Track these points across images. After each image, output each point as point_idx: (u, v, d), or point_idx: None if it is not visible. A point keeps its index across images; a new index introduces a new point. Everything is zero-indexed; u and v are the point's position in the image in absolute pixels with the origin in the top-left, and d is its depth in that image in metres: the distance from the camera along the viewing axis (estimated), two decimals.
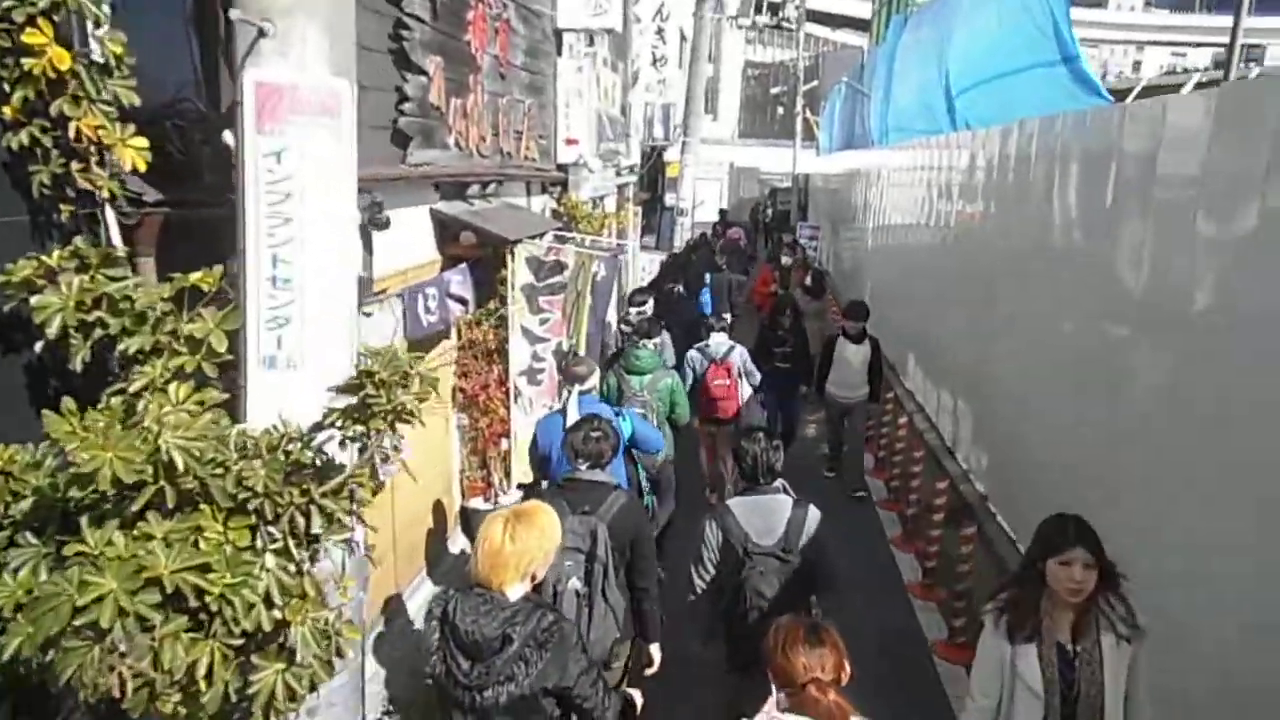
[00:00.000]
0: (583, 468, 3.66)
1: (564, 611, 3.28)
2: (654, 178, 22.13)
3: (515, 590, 2.53)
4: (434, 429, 6.02)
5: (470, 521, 6.41)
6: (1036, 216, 5.67)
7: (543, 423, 4.86)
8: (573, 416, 4.55)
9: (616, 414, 4.67)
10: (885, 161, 13.00)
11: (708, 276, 12.29)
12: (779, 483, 3.71)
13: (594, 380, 4.99)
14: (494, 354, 6.40)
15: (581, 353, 6.57)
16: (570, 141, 8.64)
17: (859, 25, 42.42)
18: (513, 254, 6.11)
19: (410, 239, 5.45)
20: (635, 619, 3.61)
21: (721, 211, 25.13)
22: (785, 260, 11.92)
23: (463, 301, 5.76)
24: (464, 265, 5.91)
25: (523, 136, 7.41)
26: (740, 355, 6.68)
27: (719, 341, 6.70)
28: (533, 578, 2.60)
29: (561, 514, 3.17)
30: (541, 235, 6.79)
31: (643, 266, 15.69)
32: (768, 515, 3.57)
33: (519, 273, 6.15)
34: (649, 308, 8.02)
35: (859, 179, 16.07)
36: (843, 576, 3.71)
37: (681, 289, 10.90)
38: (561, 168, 8.77)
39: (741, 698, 3.39)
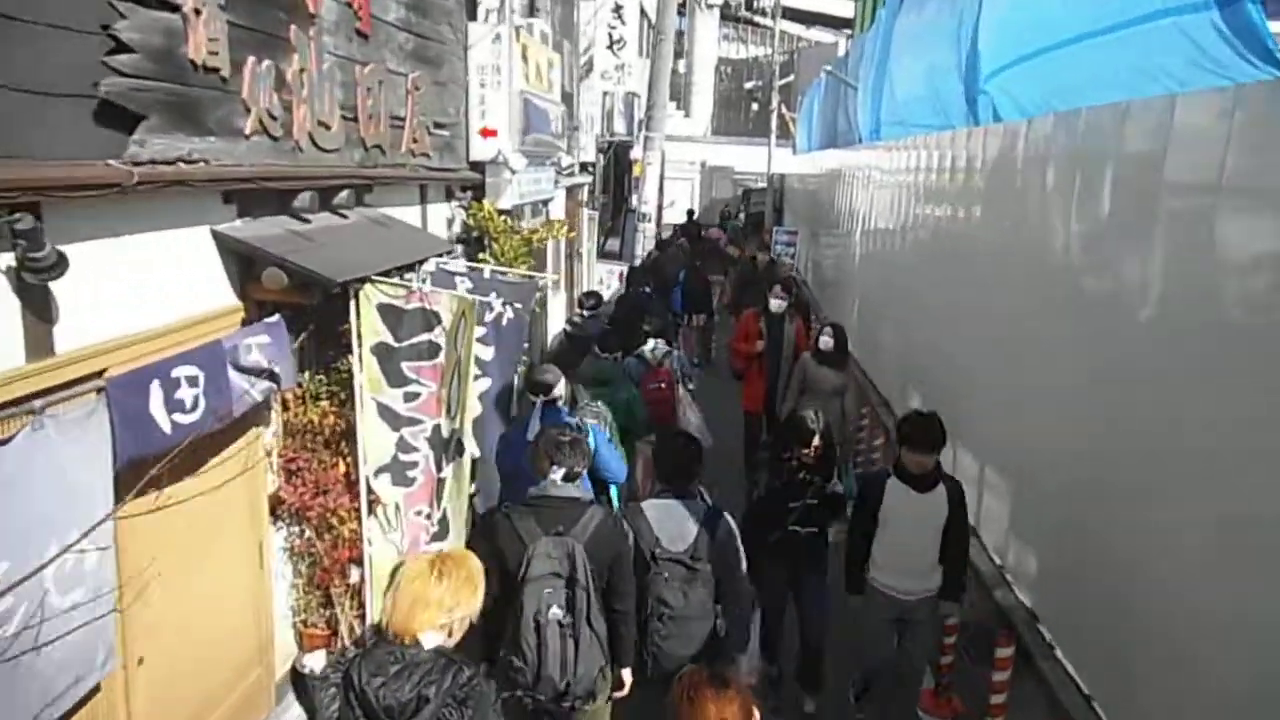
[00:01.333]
0: (556, 479, 3.19)
1: (547, 645, 2.97)
2: (618, 177, 19.98)
3: (431, 638, 2.22)
4: (231, 563, 3.87)
5: (307, 689, 4.25)
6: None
7: (505, 438, 4.49)
8: (534, 432, 3.99)
9: (578, 429, 4.07)
10: (876, 161, 11.01)
11: (680, 274, 11.70)
12: (696, 487, 3.53)
13: (561, 389, 4.47)
14: (340, 443, 4.25)
15: (469, 441, 4.44)
16: (486, 133, 6.49)
17: (834, 23, 40.50)
18: (358, 299, 3.96)
19: (165, 283, 3.29)
20: (610, 642, 3.20)
21: (689, 213, 23.17)
22: (775, 304, 6.99)
23: (269, 375, 3.60)
24: (276, 319, 3.75)
25: (405, 123, 5.25)
26: (677, 359, 6.43)
27: (655, 346, 6.24)
28: (449, 632, 2.26)
29: (532, 536, 3.01)
30: (417, 265, 4.63)
31: (599, 278, 13.58)
32: (681, 520, 3.39)
33: (368, 327, 4.00)
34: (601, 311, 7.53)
35: (843, 180, 14.04)
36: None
37: (649, 290, 10.01)
38: (477, 167, 6.62)
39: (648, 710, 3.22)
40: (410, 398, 4.18)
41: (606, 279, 13.35)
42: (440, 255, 5.04)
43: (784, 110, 25.03)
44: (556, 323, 10.41)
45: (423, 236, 5.28)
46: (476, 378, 4.93)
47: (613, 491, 4.76)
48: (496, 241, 6.23)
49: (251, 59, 3.57)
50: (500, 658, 3.05)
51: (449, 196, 6.38)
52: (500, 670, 3.00)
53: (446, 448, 4.28)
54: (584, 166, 11.65)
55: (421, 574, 2.25)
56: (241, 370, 3.46)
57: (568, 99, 9.52)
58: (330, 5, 4.28)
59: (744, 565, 3.45)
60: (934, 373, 6.96)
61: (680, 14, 41.72)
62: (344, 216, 4.53)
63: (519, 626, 2.99)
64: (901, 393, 7.57)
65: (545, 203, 9.99)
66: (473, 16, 6.58)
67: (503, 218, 6.41)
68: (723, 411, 6.94)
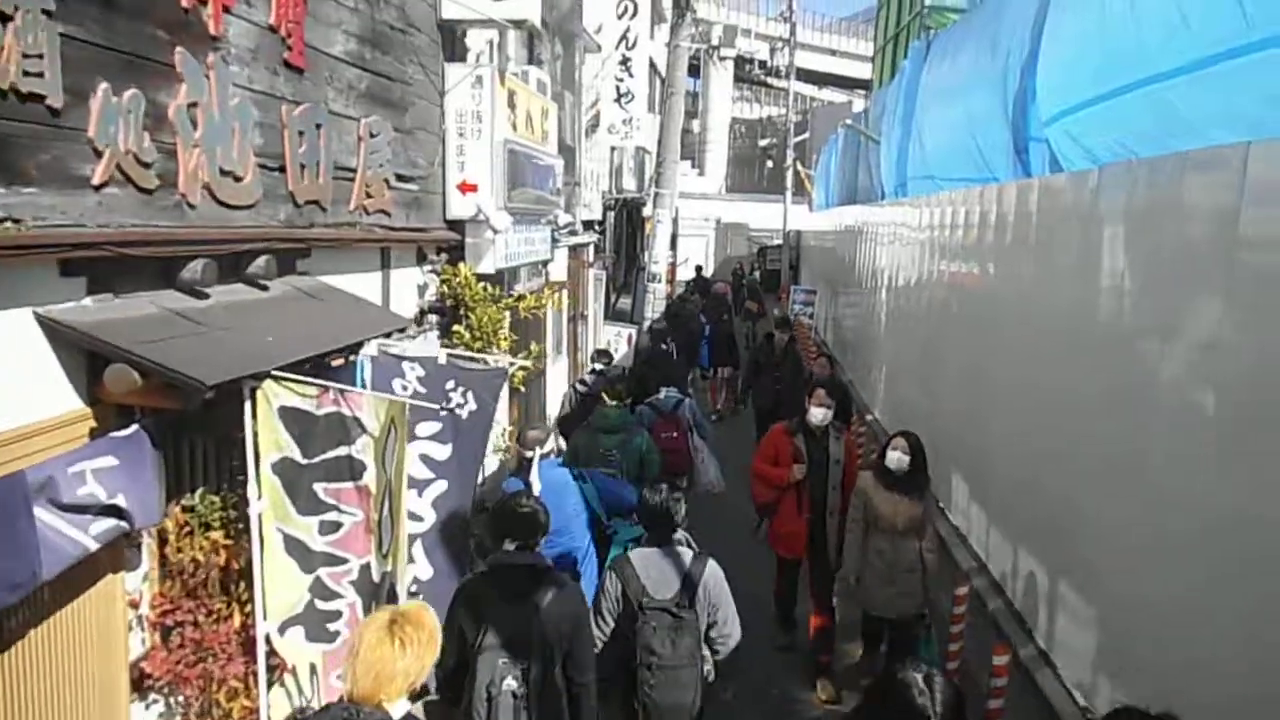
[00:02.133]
0: (510, 549, 2.99)
1: (499, 718, 2.81)
2: (630, 235, 19.16)
3: (399, 707, 2.03)
4: None
5: None
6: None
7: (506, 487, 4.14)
8: (536, 485, 3.89)
9: (577, 477, 4.25)
10: (904, 218, 10.06)
11: (707, 329, 11.37)
12: (681, 535, 3.43)
13: (551, 444, 4.37)
14: (238, 585, 3.19)
15: (402, 585, 3.38)
16: (465, 188, 5.55)
17: (846, 84, 40.45)
18: (254, 400, 2.94)
19: None
20: (571, 713, 2.98)
21: (697, 268, 22.45)
22: (817, 416, 4.77)
23: (114, 512, 2.57)
24: (133, 431, 2.74)
25: (356, 175, 4.31)
26: (689, 408, 6.12)
27: (667, 394, 6.08)
28: (413, 690, 2.08)
29: (489, 603, 2.89)
30: (352, 351, 3.63)
31: (607, 340, 12.57)
32: (666, 568, 3.28)
33: (268, 437, 2.97)
34: (610, 369, 7.13)
35: (865, 237, 13.11)
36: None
37: (669, 345, 9.42)
38: (455, 226, 5.68)
39: None
40: (329, 529, 3.13)
41: (614, 342, 12.35)
42: (390, 334, 4.04)
43: (799, 167, 24.32)
44: (556, 389, 9.38)
45: (367, 311, 4.28)
46: (429, 482, 3.91)
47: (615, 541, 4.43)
48: (473, 312, 5.24)
49: (104, 86, 2.62)
50: None
51: (421, 260, 5.42)
52: None
53: (378, 593, 3.21)
54: (589, 225, 10.75)
55: (381, 643, 2.01)
56: (67, 509, 2.43)
57: (568, 153, 8.65)
58: (244, 29, 3.36)
59: (732, 608, 3.33)
60: (977, 445, 5.90)
61: (694, 75, 41.65)
62: (263, 288, 3.55)
63: (471, 698, 2.82)
64: (942, 473, 6.51)
65: (544, 265, 9.07)
66: (457, 58, 5.71)
67: (481, 284, 5.42)
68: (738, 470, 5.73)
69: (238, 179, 3.32)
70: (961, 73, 8.15)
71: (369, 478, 3.09)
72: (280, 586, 3.12)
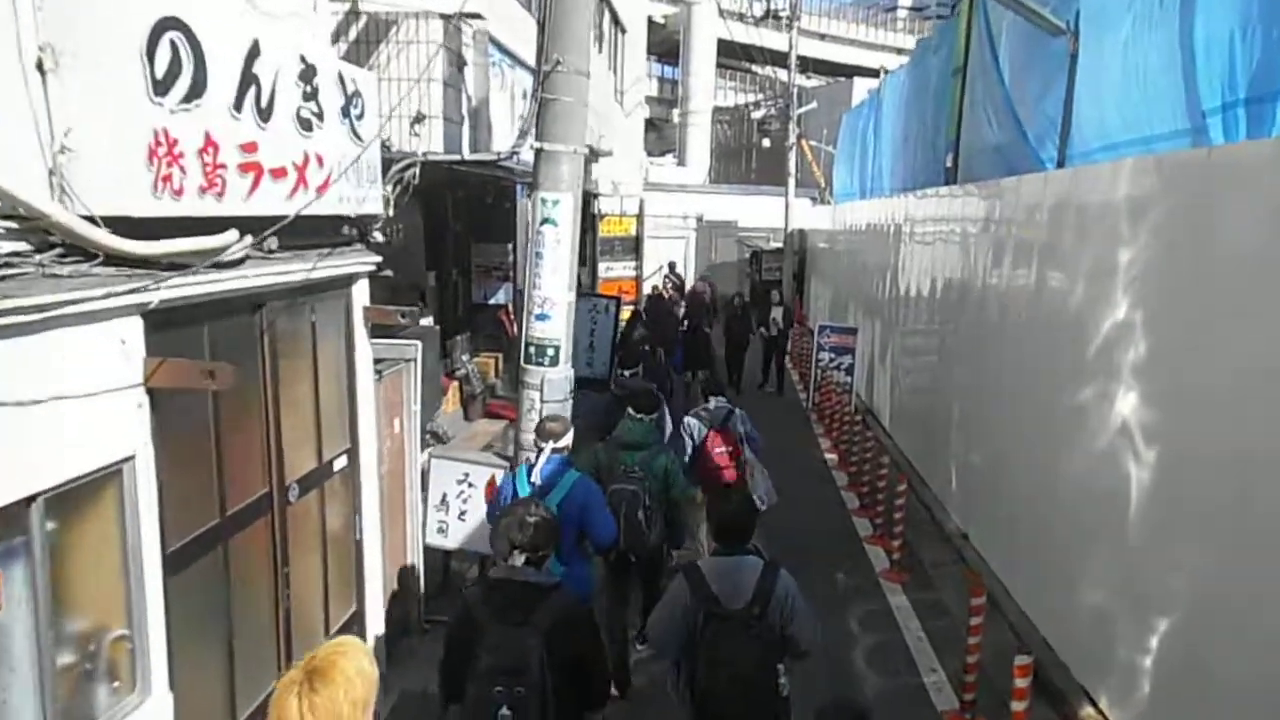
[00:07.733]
0: (517, 563, 2.76)
1: None
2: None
3: None
4: None
5: None
6: None
7: (508, 481, 4.01)
8: (537, 473, 3.82)
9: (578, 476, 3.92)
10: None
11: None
12: (751, 544, 3.23)
13: (568, 439, 4.02)
14: None
15: None
16: None
17: (833, 70, 33.21)
18: None
19: None
20: None
21: (670, 264, 15.43)
22: None
23: None
24: None
25: None
26: (740, 419, 5.45)
27: (717, 405, 5.49)
28: None
29: (485, 624, 2.66)
30: None
31: (443, 494, 5.19)
32: (737, 579, 3.09)
33: None
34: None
35: (1009, 243, 5.79)
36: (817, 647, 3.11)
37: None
38: None
39: None
40: None
41: (455, 498, 5.03)
42: None
43: (805, 146, 17.10)
44: None
45: None
46: None
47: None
48: None
49: None
50: None
51: None
52: None
53: None
54: (349, 224, 3.44)
55: (286, 706, 1.69)
56: None
57: None
58: None
59: (810, 617, 3.04)
60: None
61: (670, 63, 34.02)
62: None
63: None
64: None
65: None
66: None
67: None
68: None
69: None
70: None
71: None
72: None
